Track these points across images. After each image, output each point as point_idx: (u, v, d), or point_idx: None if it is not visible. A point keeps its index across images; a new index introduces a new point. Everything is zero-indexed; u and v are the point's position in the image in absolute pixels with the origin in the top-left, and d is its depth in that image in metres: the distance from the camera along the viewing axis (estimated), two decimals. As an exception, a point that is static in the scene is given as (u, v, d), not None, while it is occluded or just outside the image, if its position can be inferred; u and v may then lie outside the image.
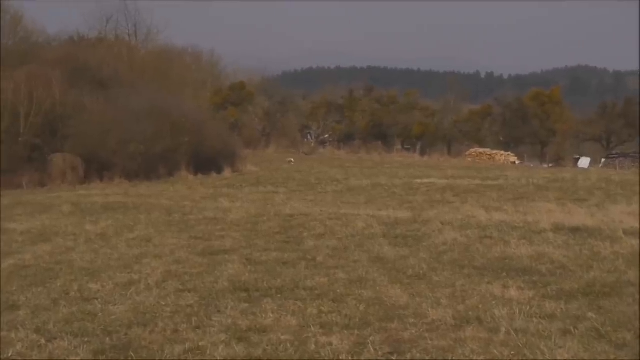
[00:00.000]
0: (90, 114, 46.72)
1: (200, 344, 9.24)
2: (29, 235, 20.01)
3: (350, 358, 8.59)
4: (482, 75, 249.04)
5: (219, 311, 10.96)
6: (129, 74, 60.05)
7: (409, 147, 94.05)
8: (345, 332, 9.71)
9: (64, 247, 17.82)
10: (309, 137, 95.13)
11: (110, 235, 19.85)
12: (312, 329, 9.87)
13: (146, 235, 19.67)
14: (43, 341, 9.41)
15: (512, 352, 8.68)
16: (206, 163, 48.89)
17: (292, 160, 61.75)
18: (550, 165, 77.16)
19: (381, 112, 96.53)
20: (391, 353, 8.78)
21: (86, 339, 9.52)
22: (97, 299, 11.88)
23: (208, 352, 8.91)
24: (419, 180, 41.37)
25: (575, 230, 19.16)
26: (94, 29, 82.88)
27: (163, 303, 11.50)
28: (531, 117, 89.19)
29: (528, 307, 10.83)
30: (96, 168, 43.41)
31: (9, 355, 8.83)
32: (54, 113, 46.70)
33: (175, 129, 47.76)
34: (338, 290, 12.25)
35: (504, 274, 13.64)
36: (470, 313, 10.58)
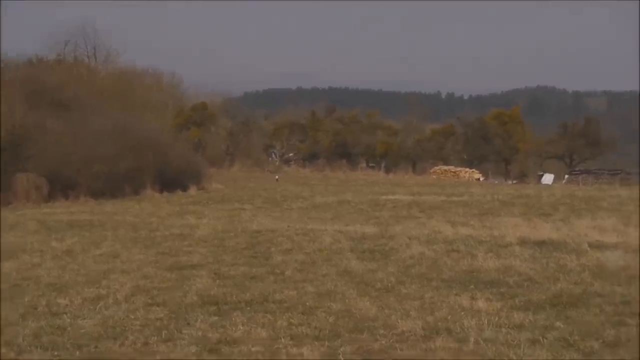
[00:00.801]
0: (52, 135, 46.37)
1: (171, 356, 9.24)
2: (-6, 253, 19.80)
3: (321, 368, 8.61)
4: (443, 95, 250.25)
5: (188, 324, 10.94)
6: (89, 95, 59.69)
7: (373, 165, 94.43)
8: (316, 343, 9.74)
9: (30, 264, 17.65)
10: (273, 156, 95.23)
11: (76, 252, 19.69)
12: (283, 340, 9.89)
13: (113, 252, 19.55)
14: (12, 355, 9.35)
15: (482, 361, 8.75)
16: (171, 181, 48.72)
17: (278, 177, 61.33)
18: (515, 181, 77.79)
19: (344, 132, 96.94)
20: (362, 363, 8.81)
21: (56, 353, 9.47)
22: (65, 313, 11.80)
23: (179, 364, 8.90)
24: (384, 197, 41.52)
25: (541, 243, 19.37)
26: (52, 51, 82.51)
27: (132, 317, 11.46)
28: (493, 136, 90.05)
29: (496, 318, 10.92)
30: (60, 187, 43.00)
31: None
32: (15, 134, 46.29)
33: (139, 148, 47.54)
34: (307, 303, 12.27)
35: (472, 286, 13.74)
36: (439, 324, 10.64)
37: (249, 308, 12.00)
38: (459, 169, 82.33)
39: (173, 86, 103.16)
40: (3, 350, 9.59)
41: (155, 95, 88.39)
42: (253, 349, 9.48)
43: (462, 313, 11.35)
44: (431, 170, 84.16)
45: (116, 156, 45.28)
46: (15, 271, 16.44)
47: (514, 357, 8.87)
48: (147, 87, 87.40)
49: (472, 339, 9.69)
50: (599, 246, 18.61)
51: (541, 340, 9.71)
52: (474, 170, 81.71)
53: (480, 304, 11.95)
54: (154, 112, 76.20)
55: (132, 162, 46.07)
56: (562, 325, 10.48)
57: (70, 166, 43.67)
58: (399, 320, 10.86)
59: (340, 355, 9.09)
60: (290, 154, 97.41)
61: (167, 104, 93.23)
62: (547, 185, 69.00)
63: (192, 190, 48.97)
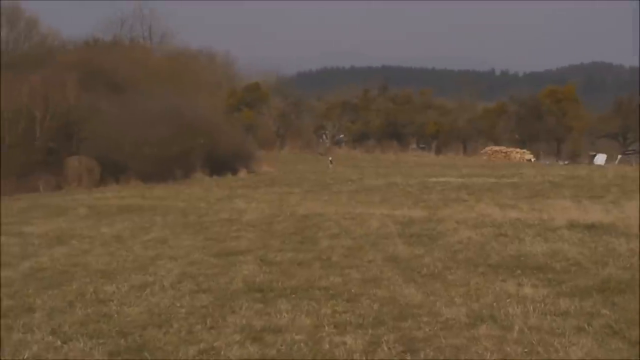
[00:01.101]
0: (105, 117, 46.81)
1: (215, 344, 9.28)
2: (46, 238, 20.07)
3: (364, 357, 8.61)
4: (497, 72, 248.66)
5: (233, 312, 11.00)
6: (143, 77, 60.09)
7: (424, 146, 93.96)
8: (359, 331, 9.74)
9: (79, 250, 17.89)
10: (323, 137, 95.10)
11: (125, 238, 19.92)
12: (326, 328, 9.90)
13: (161, 237, 19.73)
14: (59, 343, 9.48)
15: (526, 350, 8.69)
16: (221, 164, 48.97)
17: (331, 159, 60.24)
18: (566, 162, 76.88)
19: (396, 111, 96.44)
20: (405, 352, 8.78)
21: (101, 341, 9.57)
22: (112, 300, 11.94)
23: (222, 352, 8.95)
24: (434, 179, 41.31)
25: (590, 227, 19.11)
26: (108, 33, 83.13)
27: (178, 304, 11.55)
28: (546, 114, 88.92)
29: (542, 305, 10.84)
30: (112, 170, 43.49)
31: (25, 357, 8.88)
32: (69, 116, 46.83)
33: (190, 131, 47.79)
34: (352, 290, 12.27)
35: (519, 271, 13.63)
36: (484, 311, 10.58)
37: (293, 295, 12.03)
38: (510, 149, 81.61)
39: (227, 66, 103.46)
40: (50, 338, 9.73)
41: (209, 76, 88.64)
42: (296, 337, 9.50)
43: (508, 300, 11.26)
44: (482, 151, 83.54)
45: (168, 139, 45.59)
46: (65, 257, 16.68)
47: (558, 346, 8.78)
48: (200, 67, 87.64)
49: (516, 327, 9.62)
50: (649, 229, 18.35)
51: (586, 327, 9.61)
52: (525, 150, 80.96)
53: (526, 290, 11.88)
54: (207, 93, 76.40)
55: (183, 145, 46.36)
56: (608, 312, 10.36)
57: (121, 149, 44.12)
58: (444, 308, 10.84)
59: (384, 344, 9.08)
60: (341, 135, 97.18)
61: (220, 84, 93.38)
62: (600, 165, 68.16)
63: (242, 174, 49.22)
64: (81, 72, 50.76)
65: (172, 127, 46.47)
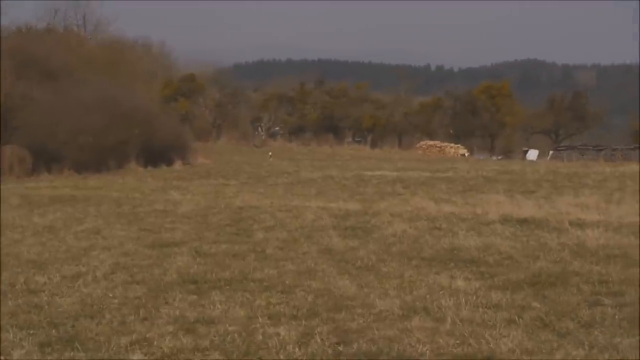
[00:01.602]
0: (38, 106, 46.14)
1: (148, 335, 9.22)
2: (-26, 229, 19.77)
3: (297, 348, 8.61)
4: (433, 68, 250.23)
5: (167, 303, 10.94)
6: (78, 65, 59.31)
7: (360, 139, 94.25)
8: (293, 322, 9.75)
9: (11, 240, 17.63)
10: (259, 129, 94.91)
11: (58, 228, 19.69)
12: (260, 319, 9.89)
13: (95, 228, 19.55)
14: (-13, 334, 9.33)
15: (457, 342, 8.76)
16: (156, 155, 48.57)
17: (271, 154, 59.61)
18: (500, 157, 77.81)
19: (332, 105, 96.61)
20: (338, 343, 8.81)
21: (32, 332, 9.43)
22: (43, 291, 11.79)
23: (155, 343, 8.88)
24: (369, 173, 41.51)
25: (522, 221, 19.43)
26: (42, 20, 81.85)
27: (111, 295, 11.46)
28: (481, 109, 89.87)
29: (474, 297, 10.96)
30: (45, 160, 42.88)
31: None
32: (2, 105, 46.08)
33: (126, 120, 47.34)
34: (287, 282, 12.29)
35: (452, 264, 13.79)
36: (417, 303, 10.67)
37: (228, 287, 12.00)
38: (444, 144, 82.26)
39: (163, 56, 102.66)
40: (-21, 329, 9.59)
41: (145, 65, 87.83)
42: (230, 328, 9.47)
43: (441, 292, 11.37)
44: (417, 145, 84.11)
45: (102, 128, 45.08)
46: (-4, 247, 16.43)
47: (489, 338, 8.87)
48: (136, 56, 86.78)
49: (449, 319, 9.70)
50: (580, 224, 18.65)
51: (517, 320, 9.72)
52: (459, 145, 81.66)
53: (459, 283, 12.00)
54: (143, 82, 75.72)
55: (118, 135, 45.89)
56: (538, 305, 10.51)
57: (55, 138, 43.51)
58: (377, 300, 10.89)
59: (317, 336, 9.09)
60: (277, 128, 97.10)
61: (156, 74, 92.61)
62: (532, 161, 69.05)
63: (177, 165, 48.90)
64: (14, 59, 49.96)
65: (107, 117, 45.97)
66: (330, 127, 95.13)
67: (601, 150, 72.15)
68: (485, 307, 10.42)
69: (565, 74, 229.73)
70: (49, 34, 73.05)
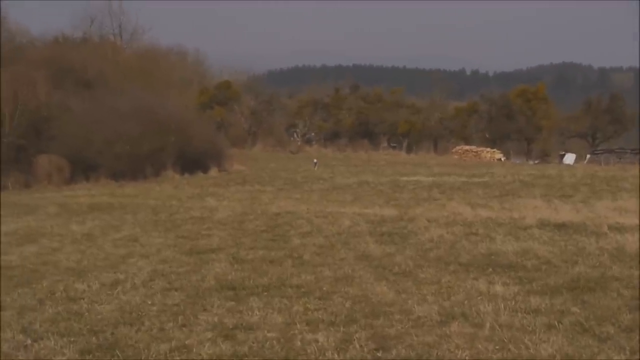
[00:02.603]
0: (75, 115, 46.56)
1: (187, 342, 9.25)
2: (15, 237, 19.95)
3: (335, 355, 8.60)
4: (468, 72, 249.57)
5: (205, 309, 10.98)
6: (114, 74, 59.84)
7: (395, 144, 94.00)
8: (331, 329, 9.75)
9: (50, 248, 17.80)
10: (295, 135, 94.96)
11: (96, 236, 19.85)
12: (298, 326, 9.90)
13: (132, 235, 19.68)
14: (29, 341, 9.40)
15: (497, 347, 8.73)
16: (192, 162, 48.80)
17: (316, 161, 56.80)
18: (536, 161, 77.25)
19: (367, 110, 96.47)
20: (377, 349, 8.79)
21: (72, 339, 9.51)
22: (83, 298, 11.88)
23: (194, 350, 8.92)
24: (405, 178, 41.45)
25: (560, 226, 19.31)
26: (78, 30, 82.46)
27: (149, 302, 11.52)
28: (517, 113, 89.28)
29: (513, 302, 10.90)
30: (82, 168, 43.27)
31: (-5, 355, 8.83)
32: (39, 114, 46.54)
33: (162, 128, 47.63)
34: (324, 288, 12.29)
35: (490, 269, 13.72)
36: (455, 309, 10.63)
37: (265, 293, 12.03)
38: (480, 148, 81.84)
39: (197, 63, 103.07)
40: (20, 336, 9.65)
41: (180, 73, 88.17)
42: (268, 335, 9.49)
43: (479, 298, 11.33)
44: (453, 150, 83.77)
45: (138, 136, 45.45)
46: (35, 256, 16.60)
47: (529, 343, 8.83)
48: (171, 64, 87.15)
49: (487, 324, 9.67)
50: (618, 228, 18.52)
51: (557, 325, 9.67)
52: (495, 150, 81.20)
53: (497, 288, 11.94)
54: (178, 90, 76.01)
55: (154, 143, 46.21)
56: (578, 310, 10.44)
57: (92, 147, 43.93)
58: (416, 305, 10.87)
59: (356, 342, 9.08)
60: (312, 134, 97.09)
61: (191, 81, 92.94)
62: (569, 165, 68.57)
63: (213, 172, 49.08)
64: (51, 69, 50.48)
65: (142, 125, 46.31)
66: (366, 133, 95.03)
67: (638, 153, 71.49)
68: (524, 312, 10.36)
69: (602, 77, 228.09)
70: (85, 44, 73.61)
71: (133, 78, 60.87)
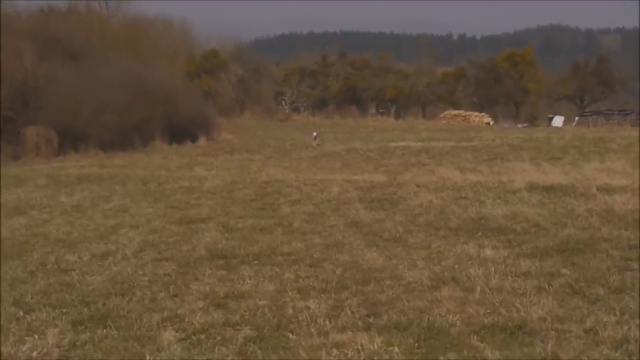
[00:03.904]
0: (62, 85, 46.31)
1: (179, 311, 9.26)
2: (4, 209, 19.87)
3: (327, 321, 8.61)
4: (455, 36, 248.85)
5: (196, 279, 11.00)
6: (100, 44, 59.40)
7: (383, 110, 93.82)
8: (323, 296, 9.77)
9: (39, 220, 17.80)
10: (283, 103, 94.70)
11: (86, 207, 19.84)
12: (289, 293, 9.92)
13: (122, 206, 19.69)
14: (21, 313, 9.41)
15: (488, 310, 8.75)
16: (181, 132, 48.66)
17: (316, 134, 46.96)
18: (525, 125, 77.34)
19: (355, 77, 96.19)
20: (368, 315, 8.83)
21: (64, 310, 9.51)
22: (74, 270, 11.88)
23: (186, 319, 8.92)
24: (393, 144, 41.45)
25: (549, 188, 19.37)
26: (64, 0, 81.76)
27: (140, 272, 11.53)
28: (504, 77, 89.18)
29: (503, 266, 10.95)
30: (70, 140, 43.09)
31: (-14, 329, 8.81)
32: (26, 85, 46.29)
33: (149, 98, 47.45)
34: (315, 255, 12.32)
35: (480, 233, 13.78)
36: (446, 273, 10.67)
37: (256, 261, 12.06)
38: (468, 113, 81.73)
39: (184, 32, 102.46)
40: (12, 308, 9.66)
41: (166, 42, 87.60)
42: (260, 303, 9.51)
43: (469, 262, 11.36)
44: (441, 115, 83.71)
45: (126, 107, 45.28)
46: (25, 227, 16.60)
47: (520, 306, 8.85)
48: (158, 34, 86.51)
49: (478, 288, 9.70)
50: (607, 189, 18.59)
51: (547, 287, 9.72)
52: (484, 114, 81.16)
53: (488, 252, 11.98)
54: (165, 59, 75.56)
55: (142, 113, 46.05)
56: (568, 272, 10.48)
57: (80, 117, 43.75)
58: (406, 271, 10.90)
59: (347, 308, 9.11)
60: (300, 102, 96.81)
61: (178, 50, 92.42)
62: (557, 127, 68.67)
63: (202, 141, 48.99)
64: (37, 40, 50.10)
65: (130, 95, 46.13)
66: (353, 99, 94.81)
67: (627, 114, 71.69)
68: (515, 276, 10.40)
69: (589, 39, 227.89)
70: (71, 14, 73.03)
71: (120, 48, 60.41)
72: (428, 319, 8.58)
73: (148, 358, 7.60)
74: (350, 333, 8.08)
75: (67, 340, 8.26)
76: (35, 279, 11.37)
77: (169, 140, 46.88)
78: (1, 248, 14.01)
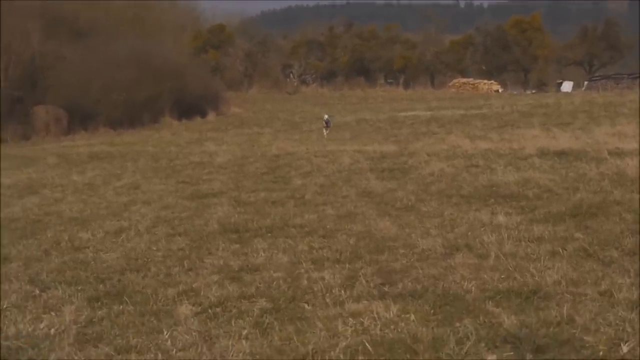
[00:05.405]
0: (70, 64, 46.28)
1: (194, 285, 9.26)
2: (16, 189, 19.92)
3: (342, 291, 8.61)
4: (462, 5, 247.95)
5: (210, 253, 11.00)
6: (106, 22, 59.29)
7: (392, 81, 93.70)
8: (337, 266, 9.76)
9: (52, 199, 17.81)
10: (291, 76, 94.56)
11: (97, 185, 19.87)
12: (304, 265, 9.92)
13: (134, 183, 19.71)
14: (37, 291, 9.40)
15: (502, 276, 8.73)
16: (190, 108, 48.70)
17: (327, 118, 44.79)
18: (534, 91, 77.11)
19: (362, 48, 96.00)
20: (383, 284, 8.83)
21: (80, 287, 9.51)
22: (88, 247, 11.88)
23: (202, 293, 8.92)
24: (403, 114, 41.41)
25: (560, 154, 19.35)
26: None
27: (154, 248, 11.54)
28: (512, 44, 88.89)
29: (516, 232, 10.93)
30: (80, 118, 43.12)
31: (4, 306, 8.83)
32: (34, 64, 46.28)
33: (157, 74, 47.42)
34: (327, 226, 12.32)
35: (492, 200, 13.76)
36: (459, 240, 10.66)
37: (269, 234, 12.05)
38: (477, 81, 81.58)
39: (190, 8, 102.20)
40: (28, 286, 9.69)
41: (173, 19, 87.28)
42: (274, 275, 9.50)
43: (482, 228, 11.35)
44: (450, 84, 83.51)
45: (134, 83, 45.27)
46: (37, 207, 16.60)
47: (534, 271, 8.83)
48: (164, 10, 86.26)
49: (492, 254, 9.67)
50: (618, 153, 18.57)
51: (561, 251, 9.69)
52: (492, 81, 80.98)
53: (500, 218, 11.96)
54: (172, 35, 75.34)
55: (150, 89, 46.05)
56: (581, 236, 10.46)
57: (89, 96, 43.76)
58: (419, 239, 10.88)
59: (361, 278, 9.11)
60: (308, 74, 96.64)
61: (184, 26, 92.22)
62: (567, 93, 68.43)
63: (211, 116, 49.05)
64: (43, 19, 49.99)
65: (138, 72, 46.15)
66: (362, 71, 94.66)
67: (636, 78, 71.27)
68: (528, 241, 10.38)
69: (596, 4, 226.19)
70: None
71: (126, 25, 60.31)
72: (443, 285, 8.57)
73: (165, 332, 7.61)
74: (366, 302, 8.07)
75: (83, 316, 8.26)
76: (50, 257, 11.38)
77: (178, 116, 46.96)
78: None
